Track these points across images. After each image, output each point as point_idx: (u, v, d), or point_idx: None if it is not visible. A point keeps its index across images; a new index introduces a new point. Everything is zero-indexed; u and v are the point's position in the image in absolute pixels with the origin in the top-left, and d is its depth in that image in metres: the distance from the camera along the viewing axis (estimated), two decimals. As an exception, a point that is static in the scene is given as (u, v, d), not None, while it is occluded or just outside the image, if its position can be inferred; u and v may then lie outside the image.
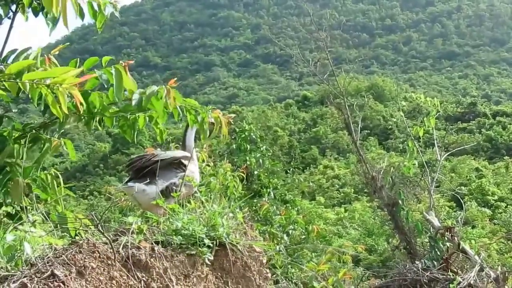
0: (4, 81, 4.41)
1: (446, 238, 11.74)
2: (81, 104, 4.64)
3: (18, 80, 4.42)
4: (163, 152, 6.28)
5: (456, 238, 11.70)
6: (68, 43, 6.24)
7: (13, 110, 5.73)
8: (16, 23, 6.20)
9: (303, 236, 12.95)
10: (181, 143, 6.66)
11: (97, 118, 5.85)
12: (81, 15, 6.14)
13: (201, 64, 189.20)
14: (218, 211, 5.15)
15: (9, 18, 6.13)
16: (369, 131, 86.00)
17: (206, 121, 6.04)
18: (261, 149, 15.93)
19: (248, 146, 15.51)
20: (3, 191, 5.72)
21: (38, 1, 6.00)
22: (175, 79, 5.79)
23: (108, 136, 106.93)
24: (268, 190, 15.27)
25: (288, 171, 24.66)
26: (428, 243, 12.25)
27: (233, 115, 6.61)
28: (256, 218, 12.25)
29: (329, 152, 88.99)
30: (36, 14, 6.16)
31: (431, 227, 12.50)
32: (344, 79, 17.06)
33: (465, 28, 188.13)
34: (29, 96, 4.81)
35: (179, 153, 6.34)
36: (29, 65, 4.71)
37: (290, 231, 12.60)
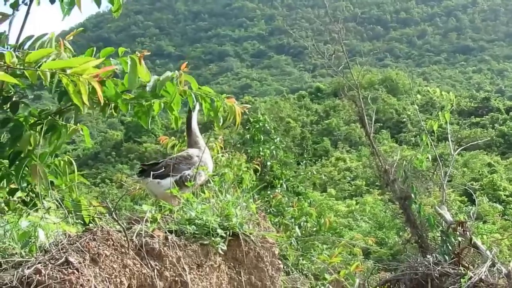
0: (24, 69, 4.41)
1: (458, 233, 11.72)
2: (100, 97, 4.64)
3: (38, 69, 4.42)
4: (173, 156, 6.29)
5: (468, 233, 11.68)
6: (83, 28, 6.23)
7: (30, 96, 5.73)
8: (31, 10, 6.20)
9: (315, 228, 12.95)
10: (186, 128, 6.65)
11: (112, 105, 5.85)
12: (97, 0, 6.15)
13: (215, 54, 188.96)
14: (232, 201, 5.15)
15: (25, 4, 6.13)
16: (381, 124, 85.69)
17: (221, 109, 6.03)
18: (275, 140, 15.92)
19: (262, 137, 15.50)
20: (19, 176, 5.73)
21: (53, -14, 5.98)
22: (186, 62, 5.78)
23: (121, 124, 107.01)
24: (281, 181, 15.28)
25: (301, 162, 24.68)
26: (440, 237, 12.23)
27: (248, 105, 6.60)
28: (268, 210, 12.25)
29: (341, 144, 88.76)
30: (52, 0, 6.14)
31: (443, 222, 12.47)
32: (358, 71, 17.00)
33: (480, 23, 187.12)
34: (44, 83, 4.81)
35: (190, 153, 6.32)
36: (48, 53, 4.70)
37: (302, 223, 12.60)
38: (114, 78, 5.69)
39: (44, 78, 4.46)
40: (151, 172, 5.87)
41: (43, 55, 4.58)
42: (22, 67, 4.43)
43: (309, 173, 24.36)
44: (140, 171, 6.14)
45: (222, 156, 8.93)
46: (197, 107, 6.24)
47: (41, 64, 4.46)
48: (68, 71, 4.40)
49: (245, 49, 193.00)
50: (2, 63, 4.52)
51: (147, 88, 5.54)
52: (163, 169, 5.90)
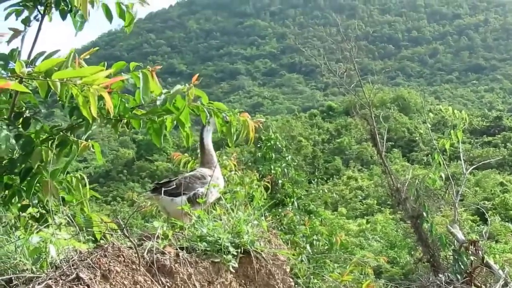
0: (34, 79, 4.41)
1: (470, 252, 11.66)
2: (110, 107, 4.64)
3: (48, 79, 4.42)
4: (186, 175, 6.27)
5: (480, 252, 11.61)
6: (98, 48, 6.25)
7: (42, 111, 5.75)
8: (43, 28, 6.22)
9: (326, 247, 12.93)
10: (199, 145, 6.62)
11: (125, 121, 5.85)
12: (109, 16, 6.17)
13: (226, 72, 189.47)
14: (243, 219, 5.13)
15: (37, 20, 6.14)
16: (393, 143, 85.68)
17: (234, 124, 6.02)
18: (286, 158, 15.91)
19: (273, 155, 15.50)
20: (31, 192, 5.74)
21: (66, 2, 6.00)
22: (197, 75, 5.78)
23: (133, 142, 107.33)
24: (292, 199, 15.26)
25: (312, 181, 24.68)
26: (452, 257, 12.17)
27: (262, 119, 6.59)
28: (279, 228, 12.23)
29: (352, 163, 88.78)
30: (63, 16, 6.16)
31: (455, 241, 12.41)
32: (370, 90, 17.00)
33: (492, 42, 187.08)
34: (57, 97, 4.81)
35: (203, 173, 6.30)
36: (58, 63, 4.71)
37: (314, 242, 12.58)
38: (126, 94, 5.70)
39: (54, 88, 4.46)
40: (164, 189, 5.86)
41: (52, 64, 4.58)
42: (32, 78, 4.44)
43: (321, 191, 24.35)
44: (153, 188, 6.13)
45: (235, 174, 8.92)
46: (212, 123, 6.22)
47: (51, 75, 4.46)
48: (79, 82, 4.40)
49: (256, 67, 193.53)
50: (13, 77, 4.53)
51: (158, 102, 5.55)
52: (176, 187, 5.89)
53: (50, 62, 4.56)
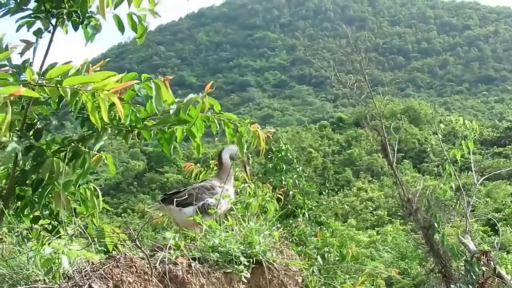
0: (45, 86, 4.42)
1: (482, 262, 11.62)
2: (121, 112, 4.64)
3: (58, 85, 4.43)
4: (196, 185, 6.27)
5: (492, 262, 11.57)
6: (109, 59, 6.27)
7: (54, 122, 5.76)
8: (54, 40, 6.25)
9: (337, 258, 12.90)
10: (218, 164, 6.62)
11: (135, 132, 5.86)
12: (121, 27, 6.19)
13: (236, 84, 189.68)
14: (255, 229, 5.13)
15: (49, 32, 6.16)
16: (403, 154, 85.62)
17: (245, 135, 6.02)
18: (297, 169, 15.92)
19: (284, 166, 15.51)
20: (42, 204, 5.74)
21: (78, 14, 6.03)
22: (212, 82, 5.80)
23: (143, 154, 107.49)
24: (303, 210, 15.26)
25: (323, 192, 24.65)
26: (464, 267, 12.12)
27: (272, 129, 6.59)
28: (290, 239, 12.21)
29: (363, 175, 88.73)
30: (75, 27, 6.18)
31: (466, 251, 12.37)
32: (381, 101, 16.98)
33: (502, 53, 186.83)
34: (70, 108, 4.83)
35: (212, 184, 6.29)
36: (69, 69, 4.71)
37: (326, 254, 12.57)
38: (137, 105, 5.71)
39: (64, 95, 4.46)
40: (174, 199, 5.86)
41: (64, 71, 4.59)
42: (42, 85, 4.45)
43: (332, 202, 24.34)
44: (162, 199, 6.13)
45: (248, 186, 8.90)
46: (235, 148, 6.23)
47: (61, 81, 4.47)
48: (89, 88, 4.40)
49: (266, 79, 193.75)
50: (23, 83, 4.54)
51: (171, 111, 5.55)
52: (186, 197, 5.89)
53: (61, 68, 4.56)
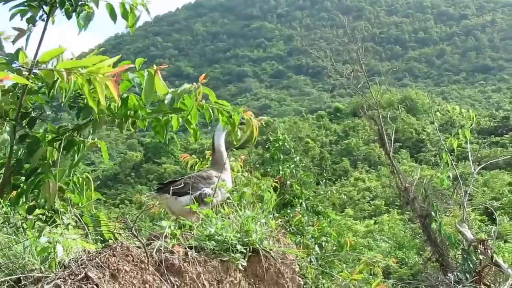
0: (40, 69, 4.41)
1: (479, 251, 11.63)
2: (117, 96, 4.63)
3: (53, 68, 4.42)
4: (192, 175, 6.25)
5: (489, 251, 11.58)
6: (103, 48, 6.26)
7: (47, 112, 5.75)
8: (49, 31, 6.23)
9: (334, 248, 12.90)
10: (212, 151, 6.61)
11: (130, 120, 5.85)
12: (113, 16, 6.18)
13: (233, 75, 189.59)
14: (252, 217, 5.12)
15: (42, 20, 6.14)
16: (400, 144, 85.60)
17: (237, 123, 6.03)
18: (295, 159, 15.90)
19: (282, 156, 15.50)
20: (35, 193, 5.74)
21: (71, 2, 6.00)
22: (205, 74, 5.80)
23: (140, 145, 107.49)
24: (300, 200, 15.24)
25: (321, 182, 24.64)
26: (461, 256, 12.13)
27: (263, 117, 6.58)
28: (288, 229, 12.21)
29: (360, 164, 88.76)
30: (68, 16, 6.16)
31: (464, 240, 12.37)
32: (378, 91, 16.96)
33: (499, 42, 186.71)
34: (60, 100, 4.81)
35: (209, 173, 6.26)
36: (61, 52, 4.70)
37: (323, 243, 12.57)
38: (132, 94, 5.71)
39: (60, 77, 4.45)
40: (170, 188, 5.84)
41: (56, 54, 4.57)
42: (37, 68, 4.44)
43: (329, 192, 24.32)
44: (158, 188, 6.11)
45: (242, 175, 8.90)
46: (220, 126, 6.23)
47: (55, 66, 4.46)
48: (83, 71, 4.39)
49: (263, 70, 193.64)
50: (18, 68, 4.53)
51: (165, 101, 5.55)
52: (182, 186, 5.88)
53: (54, 51, 4.55)
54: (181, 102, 5.64)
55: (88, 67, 4.39)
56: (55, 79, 4.64)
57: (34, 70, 5.04)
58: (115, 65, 4.84)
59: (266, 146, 16.16)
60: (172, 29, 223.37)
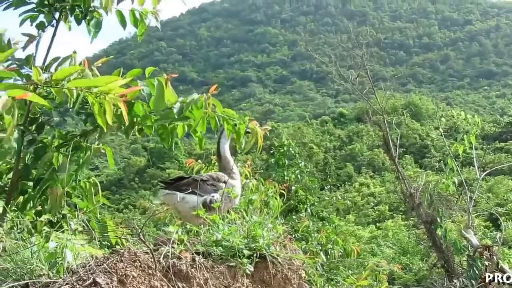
0: (51, 86, 4.42)
1: (484, 257, 11.61)
2: (125, 117, 4.64)
3: (65, 87, 4.43)
4: (203, 174, 6.24)
5: (494, 257, 11.57)
6: (112, 56, 6.28)
7: (55, 118, 5.76)
8: (57, 33, 6.26)
9: (340, 254, 12.89)
10: (216, 152, 6.61)
11: (136, 127, 5.87)
12: (123, 22, 6.19)
13: (237, 80, 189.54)
14: (258, 223, 5.12)
15: (52, 26, 6.17)
16: (405, 149, 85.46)
17: (243, 131, 6.04)
18: (300, 164, 15.92)
19: (286, 162, 15.52)
20: (42, 198, 5.75)
21: (81, 9, 6.03)
22: (216, 85, 5.81)
23: (144, 150, 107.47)
24: (305, 206, 15.25)
25: (325, 188, 24.68)
26: (466, 262, 12.12)
27: (268, 127, 6.58)
28: (293, 235, 12.20)
29: (364, 170, 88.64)
30: (78, 22, 6.19)
31: (469, 246, 12.36)
32: (382, 96, 16.96)
33: (503, 47, 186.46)
34: (68, 104, 4.82)
35: (220, 175, 6.25)
36: (75, 71, 4.72)
37: (329, 251, 12.57)
38: (140, 101, 5.71)
39: (70, 96, 4.46)
40: (177, 186, 5.84)
41: (70, 72, 4.59)
42: (49, 85, 4.44)
43: (334, 198, 24.30)
44: (166, 183, 6.10)
45: (250, 181, 8.88)
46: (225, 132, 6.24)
47: (67, 82, 4.47)
48: (95, 90, 4.40)
49: (267, 75, 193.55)
50: (28, 84, 4.54)
51: (174, 110, 5.56)
52: (190, 185, 5.86)
53: (67, 70, 4.56)
54: (189, 111, 5.64)
55: (100, 86, 4.40)
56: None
57: (44, 75, 5.04)
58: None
59: (271, 152, 16.18)
60: (176, 34, 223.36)
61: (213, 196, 5.88)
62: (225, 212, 5.69)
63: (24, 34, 5.98)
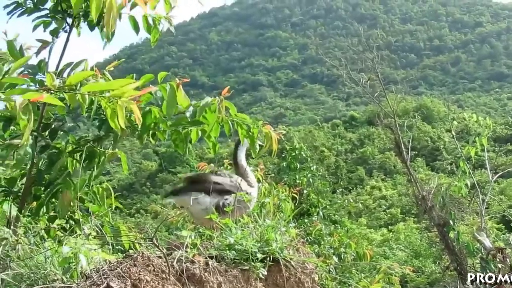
0: (64, 92, 4.43)
1: (497, 260, 11.57)
2: (138, 119, 4.65)
3: (78, 92, 4.44)
4: (219, 175, 6.23)
5: (507, 259, 11.53)
6: (123, 59, 6.30)
7: (69, 124, 5.78)
8: (70, 38, 6.28)
9: (353, 257, 12.90)
10: (232, 160, 6.61)
11: (150, 132, 5.87)
12: (136, 28, 6.20)
13: (248, 84, 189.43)
14: (271, 226, 5.13)
15: (65, 31, 6.19)
16: (416, 152, 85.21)
17: (256, 136, 6.03)
18: (311, 168, 15.94)
19: (298, 165, 15.53)
20: (53, 203, 5.77)
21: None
22: (228, 88, 5.81)
23: (155, 154, 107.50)
24: (317, 209, 15.26)
25: (336, 191, 24.68)
26: (479, 264, 12.09)
27: (283, 131, 6.58)
28: (305, 238, 12.21)
29: (376, 173, 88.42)
30: (91, 28, 6.21)
31: (482, 248, 12.33)
32: (394, 99, 16.95)
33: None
34: (81, 111, 4.84)
35: (231, 182, 6.23)
36: (88, 76, 4.73)
37: (341, 254, 12.57)
38: (152, 105, 5.72)
39: (83, 101, 4.47)
40: (191, 187, 5.84)
41: (84, 77, 4.61)
42: (62, 90, 4.45)
43: (345, 201, 24.35)
44: (178, 190, 6.10)
45: (262, 185, 8.89)
46: (246, 143, 6.24)
47: (80, 88, 4.49)
48: (108, 94, 4.42)
49: (278, 79, 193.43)
50: (42, 90, 4.55)
51: (187, 114, 5.57)
52: (203, 184, 5.86)
53: (80, 75, 4.57)
54: (203, 116, 5.65)
55: (113, 90, 4.41)
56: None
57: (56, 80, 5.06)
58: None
59: (282, 155, 16.20)
60: (186, 38, 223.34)
61: (226, 199, 5.88)
62: (238, 217, 5.69)
63: (38, 40, 6.01)
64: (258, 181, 8.70)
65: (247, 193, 6.01)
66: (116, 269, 4.11)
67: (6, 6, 6.25)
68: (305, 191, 15.24)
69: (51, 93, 4.33)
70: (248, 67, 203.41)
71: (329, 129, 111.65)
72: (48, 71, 5.59)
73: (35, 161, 5.62)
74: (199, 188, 5.89)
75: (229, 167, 7.93)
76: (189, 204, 5.87)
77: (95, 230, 4.69)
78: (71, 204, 5.71)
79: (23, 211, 5.55)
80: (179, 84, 5.49)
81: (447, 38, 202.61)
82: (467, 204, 14.09)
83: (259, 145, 6.14)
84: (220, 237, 5.03)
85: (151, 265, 4.25)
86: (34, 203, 5.92)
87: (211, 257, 4.73)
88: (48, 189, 5.77)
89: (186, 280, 4.38)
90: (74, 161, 5.84)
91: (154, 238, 4.39)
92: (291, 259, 5.08)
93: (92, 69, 5.61)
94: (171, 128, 5.87)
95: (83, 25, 6.31)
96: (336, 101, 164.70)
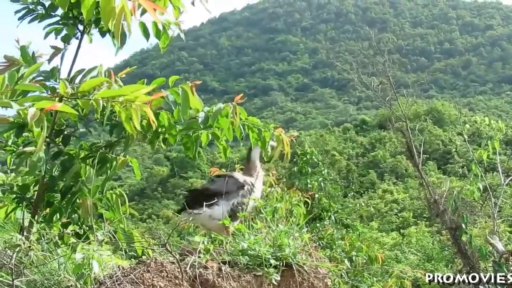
0: (78, 98, 4.45)
1: (510, 263, 11.54)
2: (153, 121, 4.67)
3: (91, 98, 4.46)
4: (221, 179, 6.19)
5: (520, 263, 11.50)
6: (135, 66, 6.31)
7: (81, 130, 5.79)
8: (82, 44, 6.29)
9: (364, 261, 12.87)
10: (245, 162, 6.59)
11: (161, 137, 5.88)
12: (146, 34, 6.21)
13: (259, 88, 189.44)
14: (284, 231, 5.12)
15: (76, 38, 6.21)
16: (428, 156, 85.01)
17: (268, 139, 6.02)
18: (323, 172, 15.92)
19: (309, 169, 15.51)
20: (70, 209, 5.77)
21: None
22: (242, 94, 5.80)
23: (167, 159, 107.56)
24: (329, 213, 15.24)
25: (348, 195, 24.64)
26: (492, 268, 12.05)
27: (295, 134, 6.57)
28: (317, 242, 12.19)
29: (387, 177, 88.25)
30: (103, 34, 6.23)
31: (494, 252, 12.29)
32: (405, 102, 16.92)
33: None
34: (95, 116, 4.85)
35: (236, 180, 6.20)
36: (101, 82, 4.75)
37: (354, 258, 12.53)
38: (164, 110, 5.72)
39: (97, 107, 4.49)
40: (201, 203, 5.81)
41: (96, 84, 4.62)
42: (75, 97, 4.47)
43: (357, 205, 24.32)
44: (188, 201, 6.07)
45: (275, 190, 8.87)
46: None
47: (94, 94, 4.50)
48: (121, 99, 4.43)
49: (289, 83, 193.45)
50: (54, 97, 4.57)
51: (199, 120, 5.57)
52: (214, 196, 5.83)
53: (93, 81, 4.60)
54: (216, 121, 5.64)
55: (126, 95, 4.42)
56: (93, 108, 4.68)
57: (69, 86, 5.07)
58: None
59: (293, 160, 16.19)
60: (197, 43, 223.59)
61: (235, 202, 5.87)
62: (249, 219, 5.68)
63: (51, 47, 6.03)
64: (271, 185, 8.69)
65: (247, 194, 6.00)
66: (130, 275, 4.11)
67: (17, 11, 6.27)
68: (316, 196, 15.23)
69: (64, 100, 4.35)
70: (258, 71, 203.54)
71: (340, 133, 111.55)
72: (60, 77, 5.61)
73: (48, 168, 5.63)
74: (209, 199, 5.84)
75: (240, 172, 7.92)
76: (204, 221, 5.85)
77: (108, 236, 4.69)
78: (91, 210, 5.73)
79: (36, 218, 5.56)
80: (192, 87, 5.49)
81: (457, 41, 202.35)
82: (479, 208, 14.05)
83: (271, 147, 6.14)
84: (233, 243, 5.03)
85: (164, 271, 4.25)
86: (47, 210, 5.93)
87: (224, 263, 4.72)
88: (64, 196, 5.78)
89: (200, 286, 4.37)
90: (87, 167, 5.84)
91: (167, 244, 4.39)
92: (304, 264, 5.06)
93: (106, 73, 5.63)
94: (181, 132, 5.86)
95: (94, 32, 6.35)
96: (347, 105, 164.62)
